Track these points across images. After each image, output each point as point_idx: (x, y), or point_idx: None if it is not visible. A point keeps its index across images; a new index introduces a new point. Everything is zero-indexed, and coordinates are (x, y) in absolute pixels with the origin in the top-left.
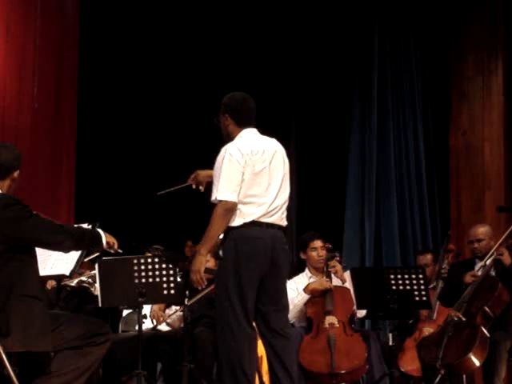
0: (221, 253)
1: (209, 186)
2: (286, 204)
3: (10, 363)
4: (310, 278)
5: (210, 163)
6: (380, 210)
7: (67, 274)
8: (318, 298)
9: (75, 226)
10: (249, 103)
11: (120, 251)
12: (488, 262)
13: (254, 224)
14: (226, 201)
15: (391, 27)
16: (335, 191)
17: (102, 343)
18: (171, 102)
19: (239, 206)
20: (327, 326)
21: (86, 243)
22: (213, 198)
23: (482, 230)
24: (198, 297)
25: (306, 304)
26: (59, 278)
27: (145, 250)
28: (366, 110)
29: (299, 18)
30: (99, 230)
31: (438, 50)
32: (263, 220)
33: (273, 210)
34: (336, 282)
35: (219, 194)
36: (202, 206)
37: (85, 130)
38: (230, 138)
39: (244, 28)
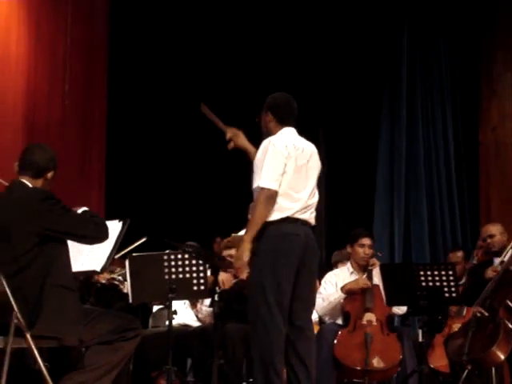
0: (255, 247)
1: (236, 151)
2: (316, 205)
3: (41, 358)
4: (352, 273)
5: (242, 160)
6: (409, 207)
7: (98, 270)
8: (358, 294)
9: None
10: (292, 103)
11: None
12: (507, 257)
13: (290, 220)
14: (268, 188)
15: (420, 24)
16: (364, 188)
17: (132, 338)
18: (201, 99)
19: (278, 199)
20: (365, 322)
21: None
22: (255, 185)
23: (492, 227)
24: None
25: (345, 299)
26: (90, 275)
27: (178, 247)
28: (395, 106)
29: (329, 17)
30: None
31: (467, 46)
32: (299, 216)
33: (307, 207)
34: (377, 280)
35: (262, 181)
36: (230, 203)
37: (115, 126)
38: (269, 135)
39: (275, 27)
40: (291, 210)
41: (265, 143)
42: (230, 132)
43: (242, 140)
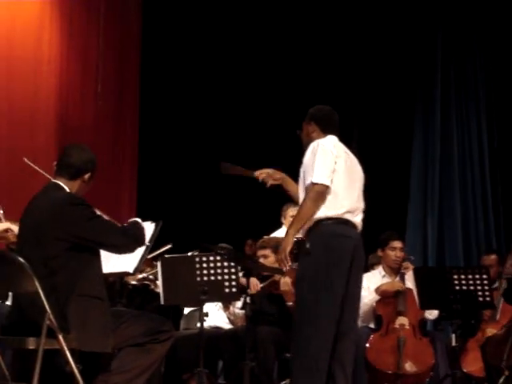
0: (307, 246)
1: (274, 187)
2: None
3: (73, 360)
4: (383, 276)
5: (274, 163)
6: (443, 210)
7: (131, 271)
8: (390, 298)
9: (135, 221)
10: (334, 114)
11: None
12: None
13: (342, 221)
14: (321, 184)
15: (455, 27)
16: (398, 190)
17: (164, 340)
18: (233, 100)
19: (329, 197)
20: (397, 326)
21: (143, 244)
22: (307, 182)
23: None
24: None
25: (378, 303)
26: (122, 276)
27: (211, 249)
28: (429, 109)
29: (365, 21)
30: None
31: (501, 48)
32: (349, 218)
33: (356, 209)
34: (409, 284)
35: (314, 177)
36: (262, 206)
37: (147, 127)
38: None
39: (312, 34)
40: (342, 210)
41: (313, 145)
42: (260, 174)
43: (275, 173)
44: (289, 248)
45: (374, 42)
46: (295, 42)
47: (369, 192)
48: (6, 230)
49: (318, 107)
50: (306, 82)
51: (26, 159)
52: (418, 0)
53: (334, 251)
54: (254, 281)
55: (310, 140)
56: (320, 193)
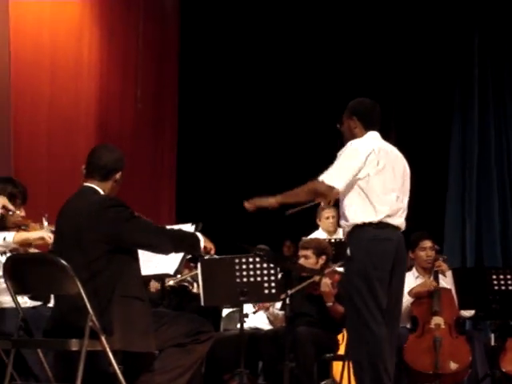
0: (348, 252)
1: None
2: (406, 209)
3: (115, 361)
4: (417, 277)
5: (312, 166)
6: (481, 210)
7: (171, 273)
8: (425, 298)
9: (176, 227)
10: (377, 108)
11: (216, 256)
12: None
13: (383, 225)
14: (326, 184)
15: (492, 26)
16: (436, 191)
17: (205, 341)
18: (272, 102)
19: (368, 201)
20: (433, 326)
21: (184, 247)
22: (320, 176)
23: None
24: (298, 288)
25: (413, 303)
26: (163, 277)
27: (249, 250)
28: (467, 109)
29: (403, 18)
30: (199, 235)
31: None
32: (390, 221)
33: (397, 211)
34: (444, 283)
35: (325, 175)
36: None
37: (186, 130)
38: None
39: (349, 30)
40: (380, 216)
41: (347, 145)
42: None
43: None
44: (260, 203)
45: (413, 38)
46: (334, 38)
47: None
48: (40, 239)
49: (359, 100)
50: (343, 77)
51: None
52: None
53: (376, 255)
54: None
55: (353, 136)
56: (319, 192)
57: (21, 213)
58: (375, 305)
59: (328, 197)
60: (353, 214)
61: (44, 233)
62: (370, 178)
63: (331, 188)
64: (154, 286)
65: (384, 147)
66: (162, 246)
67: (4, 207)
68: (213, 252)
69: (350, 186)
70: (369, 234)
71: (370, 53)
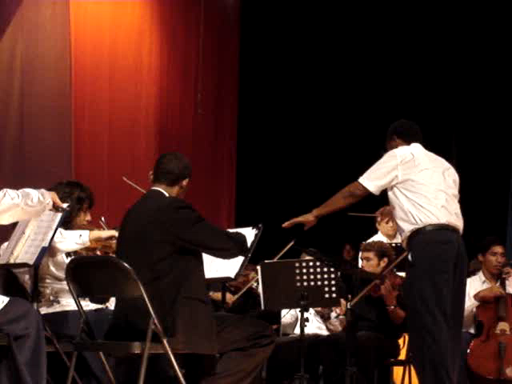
0: (409, 257)
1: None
2: (459, 209)
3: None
4: (484, 282)
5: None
6: None
7: (232, 276)
8: (491, 303)
9: (238, 231)
10: (415, 125)
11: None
12: None
13: (442, 227)
14: (362, 185)
15: None
16: (498, 195)
17: (266, 345)
18: (330, 102)
19: (417, 205)
20: (498, 331)
21: (247, 251)
22: (359, 178)
23: None
24: (360, 295)
25: (478, 308)
26: (224, 281)
27: (304, 252)
28: None
29: (463, 29)
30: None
31: None
32: (448, 223)
33: (450, 211)
34: (510, 290)
35: (363, 177)
36: (359, 211)
37: (245, 135)
38: None
39: (404, 45)
40: (435, 216)
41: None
42: (378, 212)
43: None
44: (298, 220)
45: (473, 49)
46: (395, 50)
47: (469, 197)
48: (111, 238)
49: (397, 122)
50: (403, 90)
51: (125, 178)
52: None
53: (438, 259)
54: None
55: None
56: (355, 192)
57: (86, 217)
58: (439, 309)
59: (360, 197)
60: (406, 219)
61: (115, 232)
62: (411, 181)
63: (366, 189)
64: (231, 299)
65: (425, 152)
66: (226, 250)
67: (54, 204)
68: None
69: (396, 193)
70: (428, 237)
71: (429, 66)
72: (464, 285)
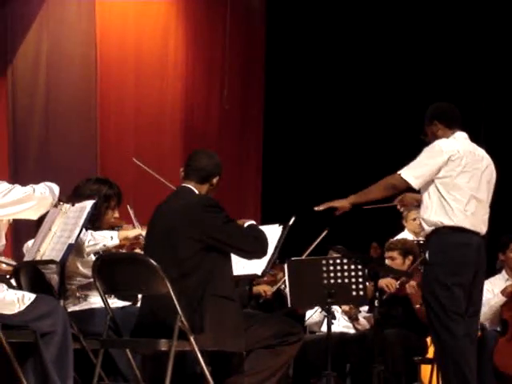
0: (426, 256)
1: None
2: (488, 214)
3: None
4: (507, 280)
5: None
6: None
7: (259, 273)
8: None
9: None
10: (454, 107)
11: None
12: None
13: (463, 229)
14: (404, 179)
15: None
16: None
17: (294, 343)
18: (359, 101)
19: (446, 203)
20: None
21: (273, 253)
22: (399, 170)
23: None
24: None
25: (503, 307)
26: (251, 278)
27: (331, 249)
28: None
29: (492, 17)
30: None
31: None
32: (470, 226)
33: (477, 215)
34: None
35: (405, 170)
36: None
37: (271, 130)
38: None
39: (439, 31)
40: (462, 218)
41: (433, 143)
42: (397, 201)
43: (410, 196)
44: (333, 204)
45: (502, 39)
46: (423, 42)
47: (495, 193)
48: (138, 236)
49: (435, 105)
50: (432, 77)
51: (134, 159)
52: None
53: (454, 261)
54: (389, 281)
55: (438, 138)
56: (396, 185)
57: (114, 214)
58: (454, 310)
59: (401, 190)
60: (431, 216)
61: (141, 231)
62: (450, 180)
63: (406, 183)
64: (270, 290)
65: (470, 149)
66: (253, 252)
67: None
68: None
69: (430, 187)
70: (447, 238)
71: (459, 53)
72: (481, 287)
